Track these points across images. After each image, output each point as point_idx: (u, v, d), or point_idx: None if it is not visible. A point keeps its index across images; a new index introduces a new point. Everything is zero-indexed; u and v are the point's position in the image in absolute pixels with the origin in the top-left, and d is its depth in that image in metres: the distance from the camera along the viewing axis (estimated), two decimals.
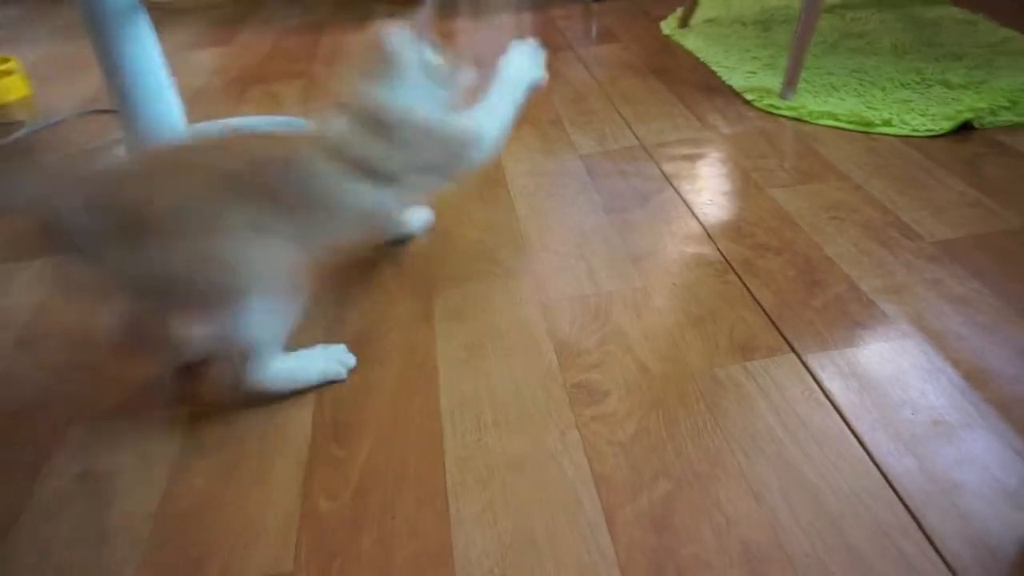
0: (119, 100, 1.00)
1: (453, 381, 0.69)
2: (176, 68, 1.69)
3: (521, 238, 0.90)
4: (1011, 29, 1.39)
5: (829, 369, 0.67)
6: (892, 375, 0.66)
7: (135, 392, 0.71)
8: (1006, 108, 1.09)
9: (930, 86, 1.20)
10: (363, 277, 0.86)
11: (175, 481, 0.62)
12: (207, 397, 0.69)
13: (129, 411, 0.69)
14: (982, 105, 1.10)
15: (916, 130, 1.07)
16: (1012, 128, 1.06)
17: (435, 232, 0.93)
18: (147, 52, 0.98)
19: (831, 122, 1.12)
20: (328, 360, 0.70)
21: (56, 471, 0.63)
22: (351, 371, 0.71)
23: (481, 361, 0.71)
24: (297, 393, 0.69)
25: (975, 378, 0.65)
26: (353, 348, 0.74)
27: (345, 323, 0.78)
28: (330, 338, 0.75)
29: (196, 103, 1.46)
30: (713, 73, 1.36)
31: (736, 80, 1.30)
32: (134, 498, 0.60)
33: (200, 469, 0.62)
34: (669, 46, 1.52)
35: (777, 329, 0.72)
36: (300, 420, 0.66)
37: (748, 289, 0.78)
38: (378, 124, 0.69)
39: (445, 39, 1.69)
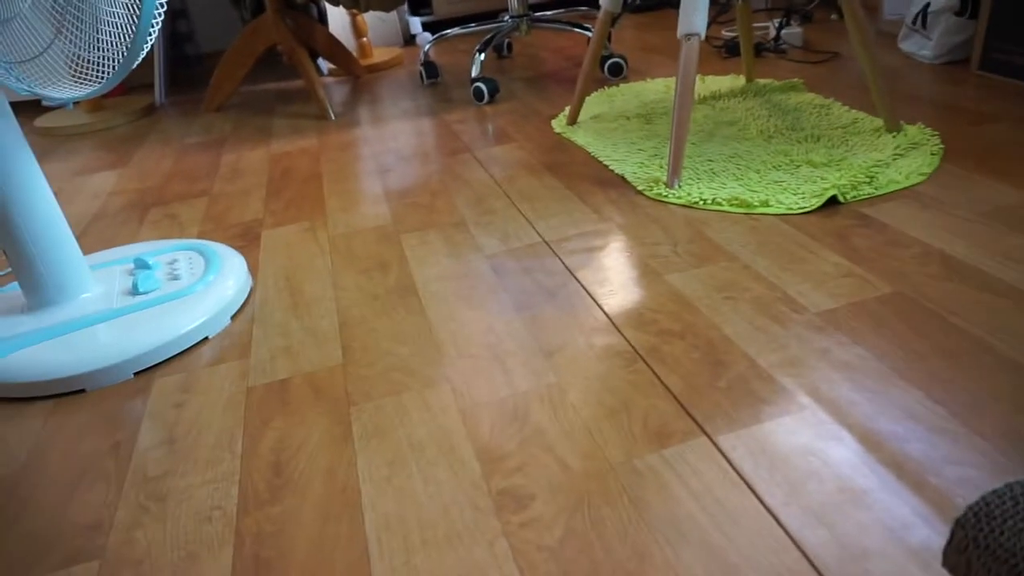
0: (5, 237, 0.97)
1: (377, 503, 0.68)
2: (71, 194, 1.65)
3: (435, 345, 0.91)
4: (859, 111, 1.56)
5: (740, 449, 0.70)
6: (797, 447, 0.69)
7: None
8: (865, 183, 1.21)
9: (798, 166, 1.32)
10: (277, 401, 0.84)
11: None
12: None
13: None
14: (844, 181, 1.21)
15: (791, 208, 1.17)
16: (872, 200, 1.17)
17: (349, 348, 0.93)
18: (33, 185, 0.96)
19: (716, 207, 1.21)
20: None
21: None
22: (270, 503, 0.69)
23: (404, 478, 0.71)
24: (213, 529, 0.66)
25: (869, 442, 0.69)
26: (271, 477, 0.72)
27: (258, 454, 0.76)
28: (244, 468, 0.72)
29: (93, 229, 1.42)
30: (604, 166, 1.45)
31: (626, 171, 1.39)
32: None
33: None
34: (561, 143, 1.61)
35: (688, 414, 0.75)
36: (219, 563, 0.63)
37: (657, 376, 0.81)
38: None
39: (347, 148, 1.73)
